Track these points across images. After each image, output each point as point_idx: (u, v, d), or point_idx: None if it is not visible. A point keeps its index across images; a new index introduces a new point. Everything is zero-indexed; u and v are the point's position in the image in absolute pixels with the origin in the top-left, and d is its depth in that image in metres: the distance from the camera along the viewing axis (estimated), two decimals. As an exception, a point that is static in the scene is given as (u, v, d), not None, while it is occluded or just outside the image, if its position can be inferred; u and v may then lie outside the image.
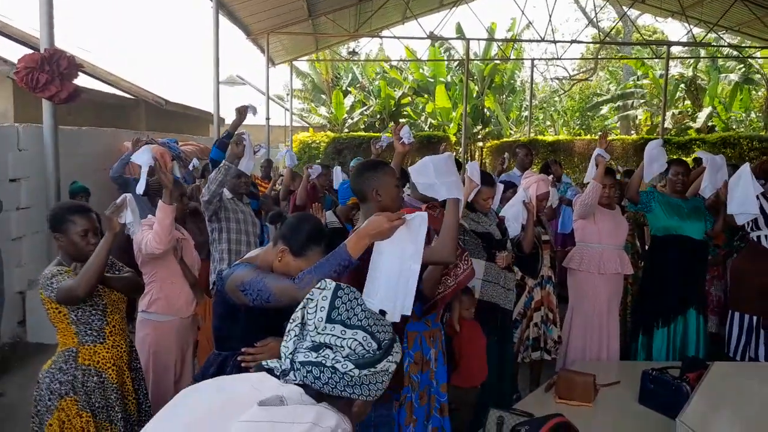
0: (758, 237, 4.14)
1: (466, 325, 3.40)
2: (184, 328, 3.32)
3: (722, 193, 4.05)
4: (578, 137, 19.83)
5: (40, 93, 5.02)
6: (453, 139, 18.24)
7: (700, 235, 4.13)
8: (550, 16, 14.27)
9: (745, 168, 3.99)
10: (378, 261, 1.93)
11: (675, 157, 16.28)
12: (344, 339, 1.17)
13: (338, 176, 6.12)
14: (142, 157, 3.03)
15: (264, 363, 1.27)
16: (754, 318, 4.13)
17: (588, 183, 4.14)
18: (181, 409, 1.14)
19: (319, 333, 1.19)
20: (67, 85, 5.03)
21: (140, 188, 3.18)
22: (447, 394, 2.93)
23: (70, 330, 2.50)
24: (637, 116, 21.63)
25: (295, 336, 1.23)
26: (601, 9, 17.94)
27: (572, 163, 16.00)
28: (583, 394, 3.38)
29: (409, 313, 1.93)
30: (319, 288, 1.26)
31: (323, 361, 1.16)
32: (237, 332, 2.14)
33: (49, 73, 4.93)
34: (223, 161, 3.98)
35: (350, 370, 1.15)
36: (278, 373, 1.22)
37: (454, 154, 16.92)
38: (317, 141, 17.33)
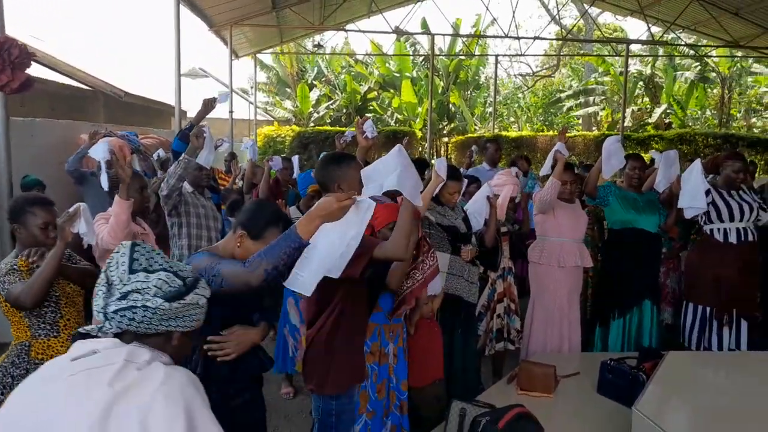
0: (711, 230, 4.27)
1: (423, 324, 3.41)
2: None
3: (675, 187, 4.18)
4: (541, 133, 20.15)
5: (-10, 82, 4.82)
6: (419, 134, 18.31)
7: (654, 228, 4.25)
8: (514, 13, 14.45)
9: (696, 164, 4.12)
10: (317, 238, 1.94)
11: (633, 152, 16.72)
12: (149, 281, 1.26)
13: (296, 166, 6.07)
14: (99, 151, 2.93)
15: (80, 329, 1.32)
16: (708, 309, 4.26)
17: (546, 176, 4.21)
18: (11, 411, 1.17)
19: (124, 284, 1.28)
20: (19, 75, 4.83)
21: (104, 183, 3.07)
22: (406, 393, 2.94)
23: (23, 323, 2.42)
24: (598, 113, 22.09)
25: (104, 294, 1.30)
26: (563, 6, 18.22)
27: (535, 159, 16.24)
28: (543, 385, 3.44)
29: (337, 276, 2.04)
30: (116, 251, 1.34)
31: (134, 304, 1.24)
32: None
33: (-1, 62, 4.73)
34: (183, 155, 3.90)
35: (161, 305, 1.25)
36: (95, 334, 1.28)
37: (421, 149, 16.94)
38: (282, 135, 17.19)
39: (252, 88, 20.08)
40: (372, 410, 2.78)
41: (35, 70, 9.72)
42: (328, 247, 2.00)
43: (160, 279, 1.28)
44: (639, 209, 4.24)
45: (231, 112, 13.92)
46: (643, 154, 5.22)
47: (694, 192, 4.01)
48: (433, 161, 3.85)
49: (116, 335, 1.26)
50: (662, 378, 3.12)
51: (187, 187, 4.12)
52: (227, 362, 2.09)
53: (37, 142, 6.29)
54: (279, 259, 1.84)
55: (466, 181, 4.69)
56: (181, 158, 3.86)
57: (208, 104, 4.35)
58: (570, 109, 22.85)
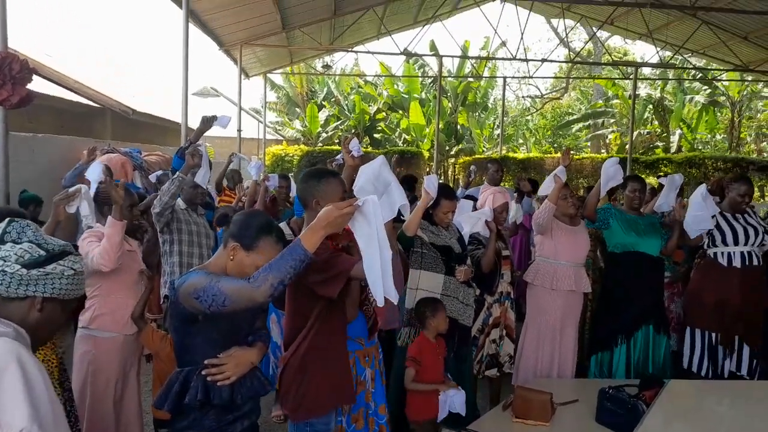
0: (714, 254, 4.16)
1: (429, 350, 3.34)
2: (128, 344, 3.12)
3: (676, 211, 4.09)
4: (549, 155, 20.08)
5: (-9, 97, 4.84)
6: (426, 154, 18.32)
7: (656, 251, 4.14)
8: (522, 35, 14.47)
9: (702, 189, 4.05)
10: (367, 257, 1.90)
11: (644, 176, 16.61)
12: (13, 250, 1.37)
13: (294, 185, 6.01)
14: (94, 173, 2.90)
15: None
16: (713, 335, 4.13)
17: (544, 196, 4.13)
18: None
19: None
20: (19, 90, 4.84)
21: (85, 207, 3.03)
22: (386, 416, 2.84)
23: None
24: (607, 135, 22.01)
25: None
26: (572, 30, 18.27)
27: (542, 180, 16.17)
28: (540, 413, 3.32)
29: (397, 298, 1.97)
30: None
31: None
32: (197, 344, 2.04)
33: (0, 77, 4.76)
34: (177, 173, 3.88)
35: (18, 270, 1.34)
36: None
37: (428, 169, 16.86)
38: (290, 154, 17.26)
39: (262, 107, 20.27)
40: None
41: (44, 86, 9.83)
42: (373, 259, 1.92)
43: (22, 248, 1.38)
44: (640, 232, 4.14)
45: (239, 131, 14.00)
46: (651, 178, 5.10)
47: (700, 216, 3.93)
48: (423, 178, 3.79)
49: None
50: (662, 407, 3.01)
51: (180, 203, 4.09)
52: (227, 385, 2.02)
53: (38, 157, 6.30)
54: (285, 273, 1.79)
55: (469, 203, 4.63)
56: (175, 176, 3.85)
57: (207, 122, 4.34)
58: (579, 131, 22.80)
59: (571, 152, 4.43)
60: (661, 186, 4.52)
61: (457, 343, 3.70)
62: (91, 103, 10.60)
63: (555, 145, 25.47)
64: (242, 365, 2.04)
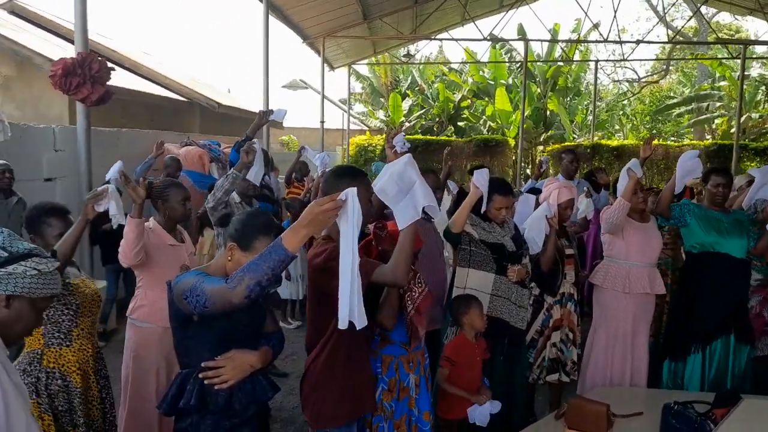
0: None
1: (466, 351, 3.19)
2: (168, 337, 3.21)
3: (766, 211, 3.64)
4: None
5: (73, 95, 5.18)
6: (512, 142, 17.76)
7: (741, 252, 3.70)
8: (615, 16, 13.64)
9: None
10: (343, 261, 1.79)
11: (753, 165, 15.16)
12: None
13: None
14: (111, 172, 2.99)
15: None
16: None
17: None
18: None
19: None
20: (98, 88, 5.15)
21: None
22: (430, 423, 2.72)
23: (38, 330, 2.47)
24: (713, 120, 20.35)
25: None
26: (672, 6, 16.96)
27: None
28: (594, 425, 3.07)
29: (365, 323, 1.81)
30: None
31: None
32: (194, 346, 2.01)
33: (81, 76, 5.06)
34: (232, 169, 3.94)
35: None
36: None
37: (514, 157, 16.31)
38: (373, 144, 17.31)
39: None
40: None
41: (138, 83, 10.44)
42: (344, 264, 1.82)
43: None
44: (723, 231, 3.71)
45: (322, 122, 14.21)
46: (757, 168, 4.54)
47: None
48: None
49: None
50: (730, 428, 2.69)
51: (234, 197, 4.16)
52: (224, 390, 1.97)
53: (121, 151, 6.67)
54: (263, 273, 1.71)
55: (530, 198, 4.37)
56: (229, 173, 3.91)
57: (263, 116, 4.38)
58: (680, 116, 21.23)
59: (654, 141, 4.05)
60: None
61: (507, 346, 3.50)
62: (180, 98, 11.14)
63: (654, 131, 23.88)
64: (241, 368, 1.98)
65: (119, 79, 7.94)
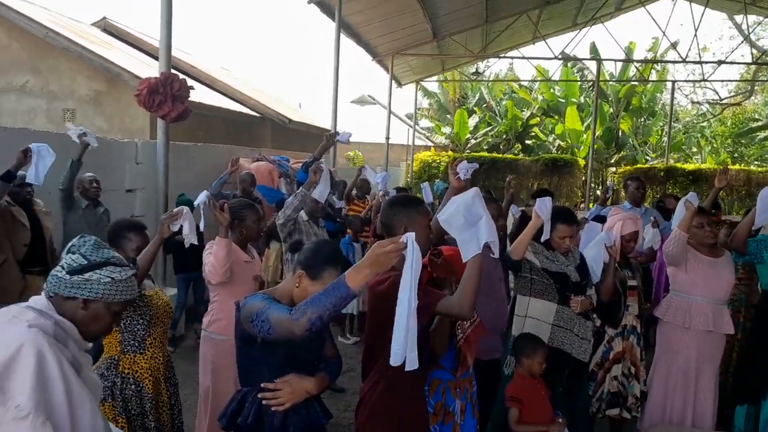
0: None
1: (529, 387, 3.14)
2: None
3: None
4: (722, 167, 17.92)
5: (155, 112, 5.50)
6: (581, 162, 17.35)
7: (820, 292, 3.50)
8: (695, 34, 13.14)
9: None
10: (400, 303, 1.81)
11: None
12: (67, 260, 1.65)
13: (428, 196, 6.00)
14: (199, 199, 3.19)
15: None
16: None
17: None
18: None
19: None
20: (178, 106, 5.44)
21: (201, 224, 3.28)
22: None
23: (116, 338, 2.66)
24: (801, 145, 19.17)
25: None
26: (758, 25, 16.18)
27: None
28: (655, 466, 2.98)
29: (416, 366, 1.83)
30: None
31: (54, 273, 1.66)
32: (255, 366, 2.10)
33: (162, 94, 5.37)
34: (300, 188, 4.10)
35: (63, 275, 1.62)
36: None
37: (584, 178, 15.89)
38: (438, 160, 17.33)
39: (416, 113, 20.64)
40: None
41: (216, 99, 10.93)
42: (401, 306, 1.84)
43: (71, 258, 1.64)
44: (802, 269, 3.53)
45: (387, 138, 14.39)
46: None
47: None
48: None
49: (49, 297, 1.64)
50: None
51: (302, 216, 4.32)
52: (279, 412, 2.05)
53: (197, 164, 7.02)
54: (325, 309, 1.78)
55: (596, 226, 4.29)
56: (298, 191, 4.08)
57: (329, 138, 4.54)
58: (765, 139, 20.11)
59: (734, 167, 3.90)
60: None
61: (567, 378, 3.44)
62: (253, 113, 11.59)
63: (735, 155, 22.71)
64: (297, 393, 2.05)
65: (197, 94, 8.37)
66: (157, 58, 8.30)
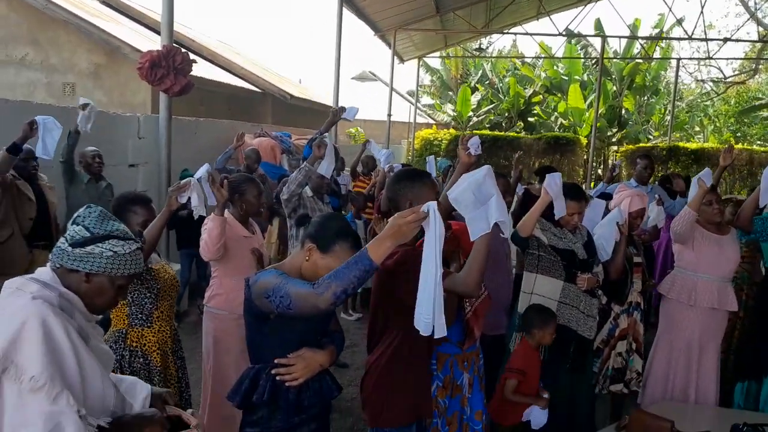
0: None
1: (533, 360, 3.17)
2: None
3: None
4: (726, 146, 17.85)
5: (157, 86, 5.44)
6: (584, 141, 17.27)
7: (825, 271, 3.51)
8: (702, 11, 12.98)
9: None
10: (423, 273, 1.81)
11: None
12: (70, 231, 1.63)
13: (431, 169, 5.98)
14: (199, 173, 3.13)
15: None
16: None
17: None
18: None
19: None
20: (180, 80, 5.39)
21: (204, 202, 3.22)
22: (482, 423, 2.74)
23: (123, 311, 2.65)
24: (805, 124, 19.06)
25: None
26: (765, 2, 15.97)
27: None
28: (657, 441, 3.01)
29: (445, 333, 1.82)
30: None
31: (58, 244, 1.64)
32: (268, 343, 2.08)
33: (165, 68, 5.31)
34: (304, 163, 4.07)
35: (66, 247, 1.61)
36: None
37: (586, 156, 15.79)
38: (439, 138, 17.25)
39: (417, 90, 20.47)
40: (444, 444, 2.64)
41: (216, 74, 10.82)
42: (426, 276, 1.83)
43: (74, 230, 1.62)
44: (808, 248, 3.53)
45: (389, 115, 14.29)
46: None
47: None
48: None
49: (55, 269, 1.63)
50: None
51: (307, 191, 4.29)
52: (294, 387, 2.04)
53: (199, 139, 6.98)
54: (349, 282, 1.76)
55: (600, 203, 4.28)
56: (302, 166, 4.05)
57: (336, 114, 4.50)
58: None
59: (737, 146, 3.88)
60: None
61: (573, 355, 3.46)
62: (254, 88, 11.48)
63: (738, 134, 22.59)
64: (311, 367, 2.04)
65: (199, 69, 8.28)
66: (157, 32, 8.24)
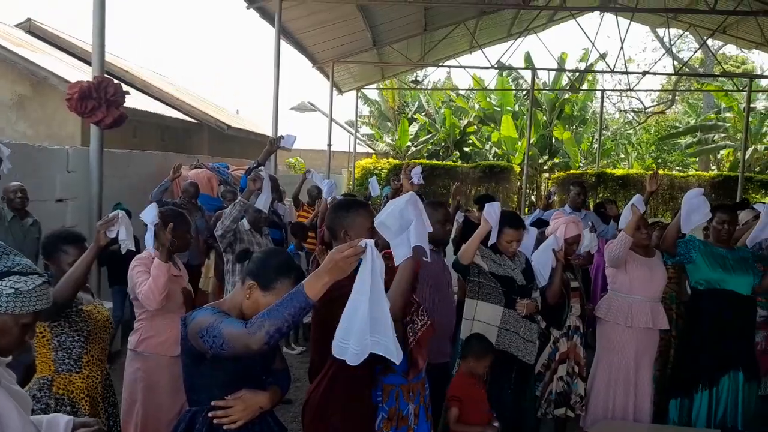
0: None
1: (470, 385, 3.18)
2: (177, 366, 3.16)
3: None
4: (650, 172, 18.87)
5: (88, 118, 5.25)
6: (517, 169, 17.85)
7: (746, 289, 3.71)
8: (622, 46, 13.77)
9: None
10: (351, 302, 1.80)
11: (758, 197, 15.14)
12: None
13: (374, 189, 6.00)
14: (148, 216, 2.98)
15: None
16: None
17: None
18: None
19: None
20: (113, 111, 5.22)
21: (149, 244, 3.07)
22: None
23: (48, 356, 2.50)
24: (718, 151, 20.42)
25: None
26: (679, 38, 17.17)
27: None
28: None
29: (401, 359, 1.82)
30: None
31: None
32: (206, 384, 1.99)
33: (96, 99, 5.13)
34: (239, 197, 3.98)
35: None
36: None
37: (519, 183, 16.36)
38: (379, 167, 17.43)
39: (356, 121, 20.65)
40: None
41: (149, 104, 10.57)
42: (357, 305, 1.82)
43: None
44: (728, 268, 3.73)
45: (329, 145, 14.32)
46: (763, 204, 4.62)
47: None
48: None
49: None
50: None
51: (244, 224, 4.19)
52: (233, 430, 1.96)
53: (133, 172, 6.76)
54: (284, 321, 1.70)
55: (533, 231, 4.40)
56: (237, 201, 3.95)
57: (273, 143, 4.45)
58: (688, 146, 21.32)
59: (659, 171, 4.09)
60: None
61: (515, 380, 3.51)
62: (189, 119, 11.28)
63: (659, 161, 23.97)
64: (250, 409, 1.97)
65: (132, 100, 8.07)
66: (88, 62, 7.99)
